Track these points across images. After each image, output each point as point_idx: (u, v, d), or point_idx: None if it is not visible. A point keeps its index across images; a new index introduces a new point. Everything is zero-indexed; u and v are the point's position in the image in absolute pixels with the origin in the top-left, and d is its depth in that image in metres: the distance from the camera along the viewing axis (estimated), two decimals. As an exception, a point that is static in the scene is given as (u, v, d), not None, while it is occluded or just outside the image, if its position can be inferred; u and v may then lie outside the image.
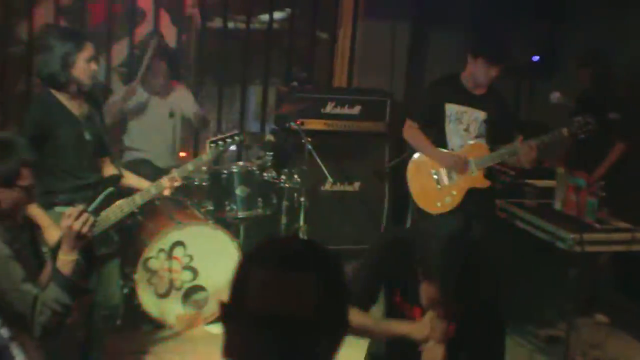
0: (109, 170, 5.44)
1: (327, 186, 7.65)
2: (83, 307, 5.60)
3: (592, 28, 8.13)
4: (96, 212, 5.00)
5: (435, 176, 6.29)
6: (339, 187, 7.87)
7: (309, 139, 6.91)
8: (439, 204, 6.24)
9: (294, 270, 2.03)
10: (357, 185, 8.00)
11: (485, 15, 8.28)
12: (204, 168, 6.95)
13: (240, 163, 7.03)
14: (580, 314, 6.55)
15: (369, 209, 8.05)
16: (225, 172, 6.81)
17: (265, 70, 8.65)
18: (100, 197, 4.97)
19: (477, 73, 6.12)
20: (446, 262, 3.30)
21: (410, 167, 6.47)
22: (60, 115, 5.13)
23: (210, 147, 5.53)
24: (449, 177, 6.25)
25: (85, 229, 3.72)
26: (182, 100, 7.11)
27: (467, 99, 6.20)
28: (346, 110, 7.96)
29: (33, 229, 4.34)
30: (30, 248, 4.07)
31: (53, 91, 5.14)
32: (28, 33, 7.71)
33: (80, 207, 3.81)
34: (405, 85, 8.92)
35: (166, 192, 5.44)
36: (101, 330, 5.46)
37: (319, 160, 6.87)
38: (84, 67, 5.11)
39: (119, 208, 5.15)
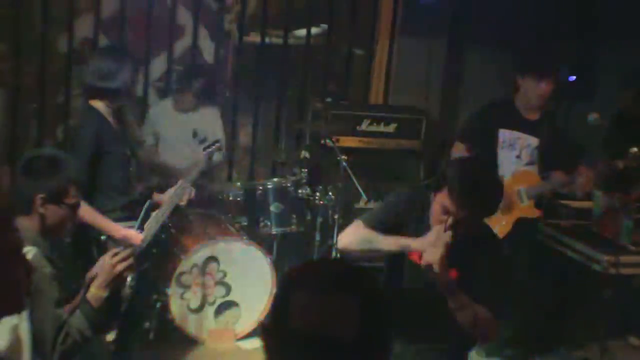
0: (149, 180, 5.52)
1: (361, 204, 7.65)
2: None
3: (630, 46, 8.08)
4: (141, 225, 5.10)
5: None
6: (372, 205, 7.86)
7: (344, 156, 6.91)
8: None
9: (339, 292, 2.04)
10: (392, 203, 7.98)
11: (523, 34, 8.26)
12: (238, 183, 7.02)
13: (275, 179, 7.04)
14: (613, 336, 6.50)
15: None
16: (260, 188, 6.84)
17: (302, 86, 8.67)
18: (144, 211, 5.06)
19: (528, 93, 5.97)
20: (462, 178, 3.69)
21: None
22: (109, 132, 5.17)
23: (203, 155, 5.60)
24: None
25: (126, 271, 3.74)
26: (209, 122, 7.18)
27: (521, 125, 6.04)
28: (381, 128, 7.96)
29: (86, 246, 4.39)
30: (76, 266, 4.10)
31: (98, 104, 5.18)
32: (68, 46, 7.78)
33: (128, 250, 3.81)
34: (440, 104, 8.92)
35: (182, 202, 5.48)
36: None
37: (353, 178, 6.87)
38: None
39: (154, 220, 5.21)
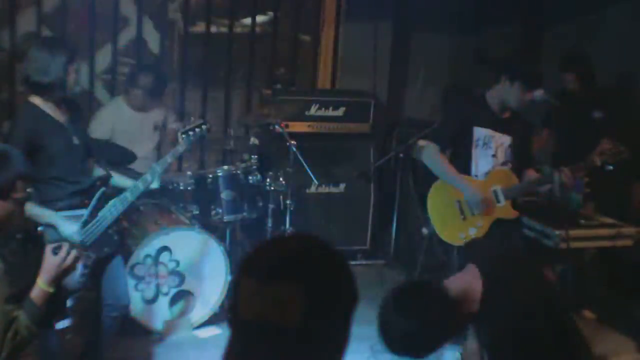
0: (97, 171, 5.47)
1: (313, 188, 7.67)
2: (88, 311, 5.65)
3: (573, 28, 8.18)
4: (93, 213, 5.08)
5: (458, 206, 5.85)
6: (324, 189, 7.89)
7: (294, 142, 6.91)
8: (462, 236, 5.80)
9: (278, 280, 2.02)
10: (342, 187, 8.01)
11: (467, 17, 8.33)
12: (189, 173, 6.99)
13: (225, 167, 7.00)
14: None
15: (355, 211, 8.07)
16: (210, 176, 6.82)
17: (249, 74, 8.66)
18: (95, 198, 5.05)
19: (510, 97, 5.72)
20: None
21: (431, 194, 6.00)
22: (48, 124, 5.13)
23: (182, 138, 5.53)
24: (474, 208, 5.80)
25: (72, 265, 3.72)
26: (163, 117, 7.20)
27: (495, 123, 5.82)
28: (330, 112, 7.98)
29: (36, 240, 4.34)
30: (29, 260, 4.06)
31: (36, 100, 5.14)
32: (10, 41, 7.70)
33: (67, 244, 3.78)
34: (388, 87, 8.96)
35: (154, 185, 5.46)
36: (109, 334, 5.47)
37: (304, 163, 6.88)
38: (73, 77, 5.15)
39: (114, 207, 5.19)
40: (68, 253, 3.70)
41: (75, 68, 5.16)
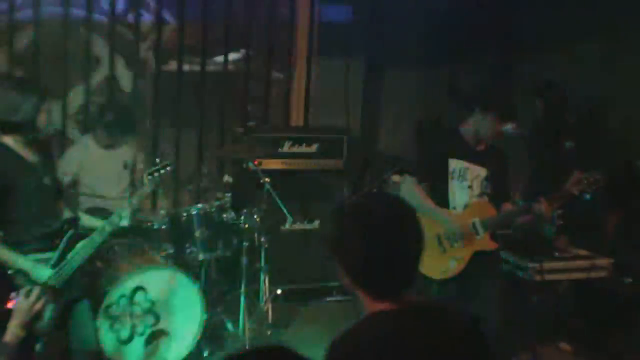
0: (66, 212, 5.45)
1: (287, 225, 7.66)
2: (57, 355, 5.59)
3: (542, 58, 8.26)
4: (62, 256, 5.05)
5: (437, 239, 5.76)
6: (299, 226, 7.88)
7: (267, 179, 6.91)
8: (443, 269, 5.74)
9: None
10: (317, 223, 8.01)
11: (438, 51, 8.38)
12: (162, 211, 6.97)
13: (199, 205, 6.99)
14: (544, 343, 6.58)
15: (330, 247, 8.06)
16: (184, 214, 6.80)
17: (222, 111, 8.67)
18: (64, 240, 5.03)
19: (483, 128, 5.75)
20: None
21: None
22: (18, 165, 5.12)
23: (148, 179, 5.53)
24: (453, 240, 5.76)
25: (42, 309, 3.73)
26: (133, 155, 7.17)
27: (470, 155, 5.81)
28: (303, 149, 7.99)
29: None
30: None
31: (7, 140, 5.12)
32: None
33: (38, 288, 3.80)
34: (361, 122, 9.00)
35: (124, 223, 5.44)
36: None
37: (278, 200, 6.87)
38: (44, 116, 5.15)
39: (82, 249, 5.16)
40: (39, 297, 3.69)
41: (46, 108, 5.16)
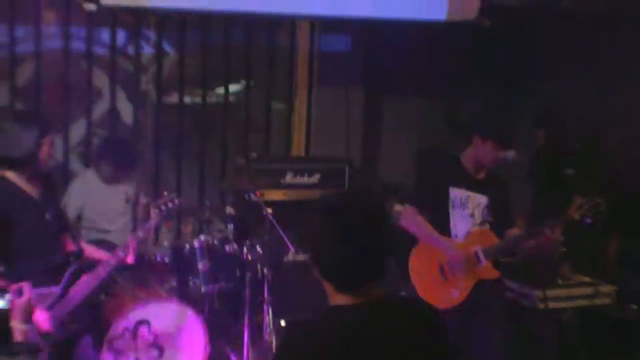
0: (70, 246, 5.44)
1: (291, 256, 7.65)
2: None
3: (543, 87, 8.28)
4: (65, 290, 5.05)
5: (440, 268, 5.75)
6: (302, 257, 7.86)
7: (270, 210, 6.91)
8: (446, 298, 5.68)
9: None
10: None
11: (439, 80, 8.40)
12: (165, 243, 6.98)
13: (202, 237, 6.98)
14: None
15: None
16: (186, 246, 6.80)
17: (223, 143, 8.69)
18: (66, 275, 5.02)
19: (483, 155, 5.74)
20: None
21: (412, 259, 5.89)
22: (20, 200, 5.12)
23: (154, 212, 5.54)
24: (456, 268, 5.73)
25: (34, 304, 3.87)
26: (134, 189, 7.19)
27: (471, 183, 5.80)
28: (305, 179, 8.00)
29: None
30: None
31: (9, 175, 5.13)
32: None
33: (28, 284, 3.88)
34: (361, 151, 9.01)
35: (129, 260, 5.45)
36: None
37: (280, 231, 6.86)
38: (46, 150, 5.15)
39: (85, 283, 5.16)
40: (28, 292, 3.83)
41: (48, 142, 5.17)
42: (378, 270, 2.87)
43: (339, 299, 2.85)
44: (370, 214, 2.87)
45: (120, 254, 5.34)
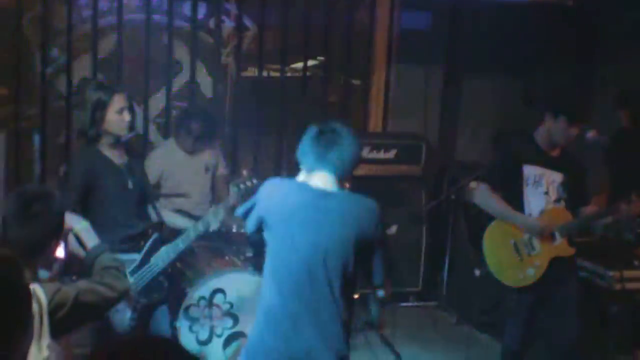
0: (152, 217, 5.53)
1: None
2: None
3: (630, 67, 8.15)
4: (145, 259, 5.13)
5: (514, 246, 5.78)
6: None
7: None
8: (521, 277, 5.72)
9: None
10: (394, 229, 8.01)
11: (520, 58, 8.31)
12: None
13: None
14: (621, 352, 6.50)
15: (407, 253, 8.07)
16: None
17: (300, 118, 8.71)
18: (148, 243, 5.11)
19: (556, 132, 5.67)
20: None
21: (486, 237, 5.92)
22: (103, 166, 5.22)
23: (233, 190, 5.58)
24: (531, 247, 5.74)
25: None
26: (214, 159, 7.26)
27: (545, 161, 5.74)
28: (382, 155, 8.01)
29: None
30: None
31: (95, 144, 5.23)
32: (66, 87, 7.84)
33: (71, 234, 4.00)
34: (439, 129, 8.98)
35: (213, 227, 5.50)
36: None
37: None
38: (114, 119, 5.22)
39: (166, 254, 5.24)
40: None
41: (116, 110, 5.24)
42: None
43: None
44: None
45: (200, 228, 5.40)
